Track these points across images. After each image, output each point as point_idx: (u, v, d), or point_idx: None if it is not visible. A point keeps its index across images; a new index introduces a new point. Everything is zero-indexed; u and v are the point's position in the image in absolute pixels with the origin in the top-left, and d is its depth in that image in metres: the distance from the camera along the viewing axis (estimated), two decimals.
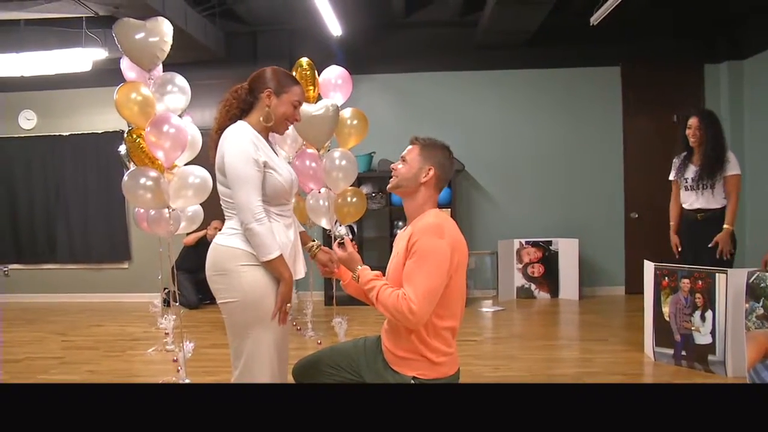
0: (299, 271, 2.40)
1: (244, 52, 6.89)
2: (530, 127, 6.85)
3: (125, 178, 3.65)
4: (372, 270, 2.30)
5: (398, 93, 6.96)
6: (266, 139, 2.35)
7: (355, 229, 6.60)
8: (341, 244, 2.36)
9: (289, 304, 2.25)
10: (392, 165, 2.33)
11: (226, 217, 2.33)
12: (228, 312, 2.27)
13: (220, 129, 2.30)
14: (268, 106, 2.30)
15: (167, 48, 3.68)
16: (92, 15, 5.28)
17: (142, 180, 3.58)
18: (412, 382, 2.19)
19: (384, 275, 2.32)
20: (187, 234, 6.16)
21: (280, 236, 2.26)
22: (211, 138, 2.37)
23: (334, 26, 5.81)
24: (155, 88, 3.68)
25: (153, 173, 3.61)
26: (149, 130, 3.56)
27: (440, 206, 6.05)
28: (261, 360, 2.23)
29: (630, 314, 5.75)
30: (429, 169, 2.24)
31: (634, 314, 5.49)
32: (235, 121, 2.31)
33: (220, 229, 2.36)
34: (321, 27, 5.92)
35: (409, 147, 2.31)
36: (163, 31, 3.61)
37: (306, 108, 4.28)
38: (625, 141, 6.78)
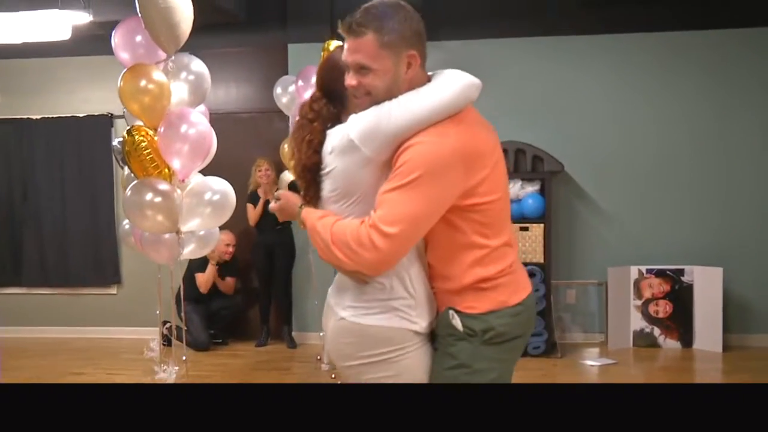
0: None
1: (270, 13, 6.89)
2: (656, 113, 6.67)
3: (127, 192, 3.61)
4: None
5: (476, 65, 6.63)
6: None
7: None
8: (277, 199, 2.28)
9: None
10: (347, 83, 2.02)
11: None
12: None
13: None
14: None
15: (188, 31, 3.67)
16: None
17: (149, 196, 3.50)
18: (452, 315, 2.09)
19: None
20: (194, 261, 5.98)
21: None
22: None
23: None
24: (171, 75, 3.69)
25: (164, 186, 3.55)
26: (163, 131, 3.53)
27: (531, 219, 6.05)
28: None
29: None
30: (411, 55, 2.01)
31: None
32: None
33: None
34: None
35: (354, 40, 1.96)
36: (190, 10, 3.62)
37: None
38: None
